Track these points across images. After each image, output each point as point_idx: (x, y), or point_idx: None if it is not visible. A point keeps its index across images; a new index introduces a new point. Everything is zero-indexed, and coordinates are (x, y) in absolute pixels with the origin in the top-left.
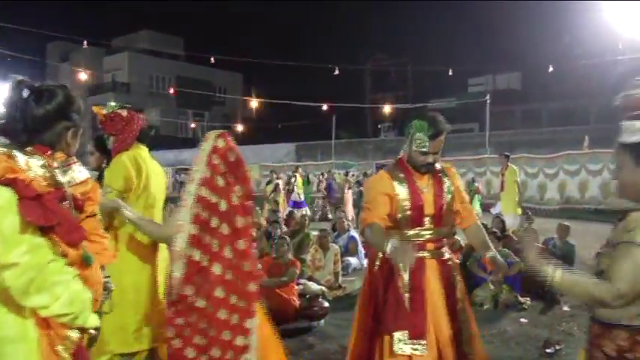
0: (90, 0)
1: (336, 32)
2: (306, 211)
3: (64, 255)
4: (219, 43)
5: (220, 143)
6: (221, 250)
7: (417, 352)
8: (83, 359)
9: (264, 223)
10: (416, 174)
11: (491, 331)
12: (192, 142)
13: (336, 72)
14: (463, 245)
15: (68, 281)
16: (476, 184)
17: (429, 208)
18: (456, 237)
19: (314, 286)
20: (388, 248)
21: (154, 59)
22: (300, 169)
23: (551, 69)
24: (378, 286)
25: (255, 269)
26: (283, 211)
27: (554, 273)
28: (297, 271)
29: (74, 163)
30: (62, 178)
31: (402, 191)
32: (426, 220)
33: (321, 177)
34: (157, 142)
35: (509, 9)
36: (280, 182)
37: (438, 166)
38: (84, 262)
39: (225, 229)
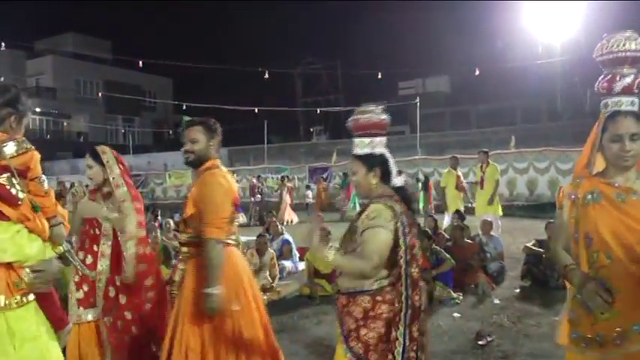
0: (9, 0)
1: (266, 36)
2: (242, 216)
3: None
4: (148, 48)
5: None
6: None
7: None
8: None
9: None
10: (194, 178)
11: None
12: (122, 149)
13: (267, 76)
14: None
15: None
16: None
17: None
18: None
19: None
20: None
21: (80, 63)
22: (235, 175)
23: (477, 72)
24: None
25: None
26: None
27: (330, 254)
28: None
29: (13, 140)
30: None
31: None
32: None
33: (255, 181)
34: (86, 149)
35: (438, 15)
36: None
37: (209, 165)
38: (33, 210)
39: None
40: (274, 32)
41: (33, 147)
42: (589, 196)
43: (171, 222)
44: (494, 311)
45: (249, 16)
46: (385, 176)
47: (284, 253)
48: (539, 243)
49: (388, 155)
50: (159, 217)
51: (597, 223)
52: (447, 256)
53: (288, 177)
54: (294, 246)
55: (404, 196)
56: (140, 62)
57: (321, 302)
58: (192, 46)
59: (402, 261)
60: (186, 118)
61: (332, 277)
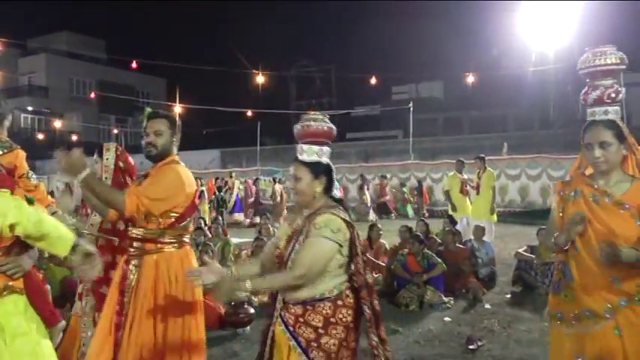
0: None
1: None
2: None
3: None
4: (143, 48)
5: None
6: None
7: None
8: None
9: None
10: (151, 171)
11: (416, 330)
12: None
13: (260, 77)
14: (388, 248)
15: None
16: (404, 190)
17: None
18: (382, 241)
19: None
20: None
21: (73, 62)
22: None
23: (471, 79)
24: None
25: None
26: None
27: (247, 285)
28: None
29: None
30: None
31: None
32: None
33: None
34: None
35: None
36: (205, 189)
37: (169, 161)
38: (29, 202)
39: None
40: (269, 35)
41: (18, 146)
42: (572, 193)
43: None
44: (485, 316)
45: (244, 17)
46: (328, 186)
47: None
48: (531, 249)
49: (332, 166)
50: None
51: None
52: (439, 260)
53: (280, 179)
54: None
55: (345, 207)
56: (134, 62)
57: None
58: (187, 48)
59: (361, 268)
60: (149, 110)
61: None
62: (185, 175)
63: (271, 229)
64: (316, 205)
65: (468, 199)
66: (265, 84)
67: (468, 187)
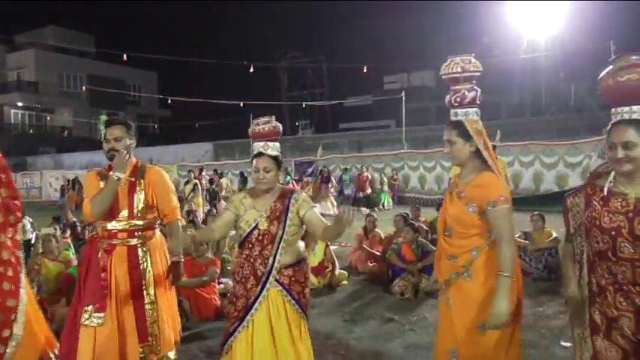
0: None
1: (251, 29)
2: None
3: None
4: (132, 41)
5: None
6: None
7: (94, 323)
8: None
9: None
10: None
11: (411, 318)
12: None
13: (251, 69)
14: (383, 238)
15: None
16: (384, 179)
17: (122, 203)
18: (377, 230)
19: None
20: None
21: (63, 57)
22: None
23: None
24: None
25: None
26: (202, 211)
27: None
28: (218, 270)
29: None
30: None
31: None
32: (121, 214)
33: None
34: (70, 144)
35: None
36: (198, 182)
37: (139, 164)
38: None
39: None
40: (259, 25)
41: None
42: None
43: None
44: None
45: (234, 9)
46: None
47: None
48: (525, 235)
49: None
50: None
51: None
52: (433, 248)
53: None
54: None
55: None
56: (124, 55)
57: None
58: (177, 40)
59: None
60: (104, 117)
61: (319, 271)
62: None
63: None
64: (274, 188)
65: None
66: (257, 76)
67: None
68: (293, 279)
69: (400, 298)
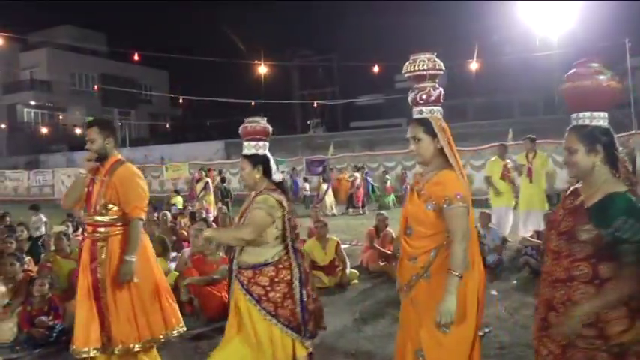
0: None
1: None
2: None
3: None
4: (144, 40)
5: None
6: None
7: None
8: None
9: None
10: (101, 169)
11: None
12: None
13: (263, 68)
14: (394, 237)
15: None
16: (388, 179)
17: (89, 200)
18: (389, 229)
19: None
20: None
21: (75, 56)
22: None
23: (475, 65)
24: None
25: None
26: (214, 209)
27: (207, 231)
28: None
29: None
30: None
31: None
32: (92, 209)
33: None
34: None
35: (435, 7)
36: (210, 181)
37: (114, 162)
38: None
39: None
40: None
41: None
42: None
43: (169, 214)
44: (492, 302)
45: (245, 8)
46: (267, 173)
47: None
48: (537, 234)
49: (269, 156)
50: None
51: None
52: None
53: (283, 170)
54: None
55: (283, 188)
56: (136, 55)
57: (319, 294)
58: (189, 39)
59: (288, 239)
60: (89, 119)
61: (329, 270)
62: (137, 171)
63: None
64: (259, 188)
65: (511, 187)
66: (268, 74)
67: (515, 173)
68: (252, 280)
69: None
